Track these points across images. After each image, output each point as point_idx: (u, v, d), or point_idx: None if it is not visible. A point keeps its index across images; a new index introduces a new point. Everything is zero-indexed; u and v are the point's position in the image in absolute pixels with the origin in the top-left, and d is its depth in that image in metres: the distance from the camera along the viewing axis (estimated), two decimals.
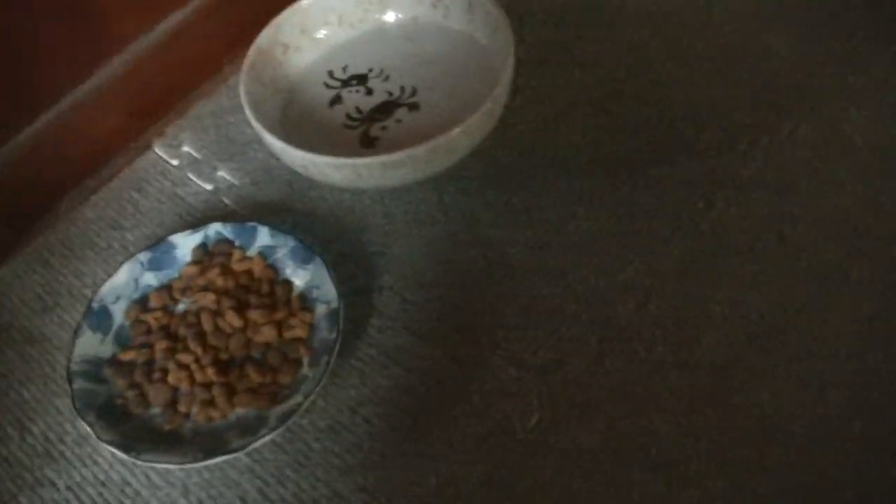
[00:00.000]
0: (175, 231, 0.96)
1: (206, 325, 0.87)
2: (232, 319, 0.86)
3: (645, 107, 0.99)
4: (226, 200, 1.01)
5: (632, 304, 0.84)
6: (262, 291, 0.89)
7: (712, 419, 0.76)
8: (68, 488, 0.83)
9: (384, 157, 0.85)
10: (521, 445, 0.77)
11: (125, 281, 0.91)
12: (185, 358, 0.85)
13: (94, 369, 0.86)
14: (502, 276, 0.88)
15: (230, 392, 0.83)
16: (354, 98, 1.00)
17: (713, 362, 0.79)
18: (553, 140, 0.99)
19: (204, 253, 0.93)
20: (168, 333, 0.88)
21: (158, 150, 1.09)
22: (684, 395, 0.78)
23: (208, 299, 0.88)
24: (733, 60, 1.02)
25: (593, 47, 1.07)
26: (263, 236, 0.92)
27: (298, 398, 0.80)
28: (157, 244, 0.93)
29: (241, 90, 0.94)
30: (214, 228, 0.93)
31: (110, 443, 0.80)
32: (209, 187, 1.03)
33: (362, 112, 0.98)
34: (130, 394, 0.84)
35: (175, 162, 1.07)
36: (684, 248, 0.87)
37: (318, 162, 0.87)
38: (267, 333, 0.85)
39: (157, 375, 0.85)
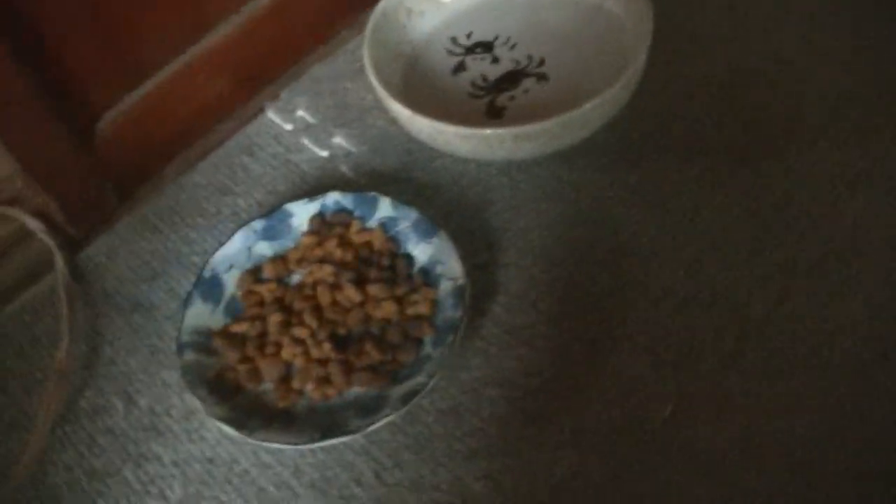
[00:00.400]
0: (287, 198, 0.93)
1: (323, 298, 0.83)
2: (351, 293, 0.82)
3: (776, 90, 0.95)
4: (342, 168, 0.98)
5: (767, 299, 0.80)
6: (383, 265, 0.85)
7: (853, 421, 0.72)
8: (174, 464, 0.80)
9: (516, 129, 0.83)
10: (653, 439, 0.74)
11: (238, 249, 0.88)
12: (301, 332, 0.82)
13: (205, 341, 0.83)
14: (632, 261, 0.85)
15: (348, 369, 0.79)
16: (480, 66, 0.97)
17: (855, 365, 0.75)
18: (682, 118, 0.94)
19: (321, 223, 0.89)
20: (282, 306, 0.85)
21: (272, 114, 1.06)
22: (824, 395, 0.74)
23: (325, 271, 0.84)
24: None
25: (723, 25, 1.03)
26: (385, 207, 0.88)
27: (421, 378, 0.76)
28: (273, 212, 0.90)
29: (365, 54, 0.91)
30: (333, 198, 0.90)
31: (222, 419, 0.77)
32: (324, 154, 1.00)
33: (488, 81, 0.95)
34: (242, 367, 0.81)
35: (289, 127, 1.04)
36: (818, 243, 0.83)
37: (447, 131, 0.84)
38: (387, 309, 0.81)
39: (270, 349, 0.82)
